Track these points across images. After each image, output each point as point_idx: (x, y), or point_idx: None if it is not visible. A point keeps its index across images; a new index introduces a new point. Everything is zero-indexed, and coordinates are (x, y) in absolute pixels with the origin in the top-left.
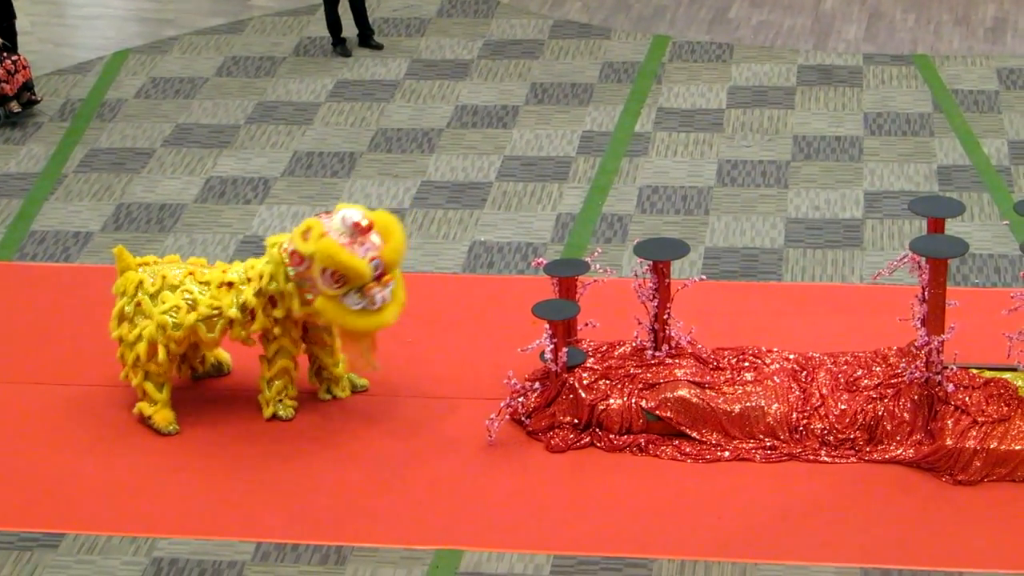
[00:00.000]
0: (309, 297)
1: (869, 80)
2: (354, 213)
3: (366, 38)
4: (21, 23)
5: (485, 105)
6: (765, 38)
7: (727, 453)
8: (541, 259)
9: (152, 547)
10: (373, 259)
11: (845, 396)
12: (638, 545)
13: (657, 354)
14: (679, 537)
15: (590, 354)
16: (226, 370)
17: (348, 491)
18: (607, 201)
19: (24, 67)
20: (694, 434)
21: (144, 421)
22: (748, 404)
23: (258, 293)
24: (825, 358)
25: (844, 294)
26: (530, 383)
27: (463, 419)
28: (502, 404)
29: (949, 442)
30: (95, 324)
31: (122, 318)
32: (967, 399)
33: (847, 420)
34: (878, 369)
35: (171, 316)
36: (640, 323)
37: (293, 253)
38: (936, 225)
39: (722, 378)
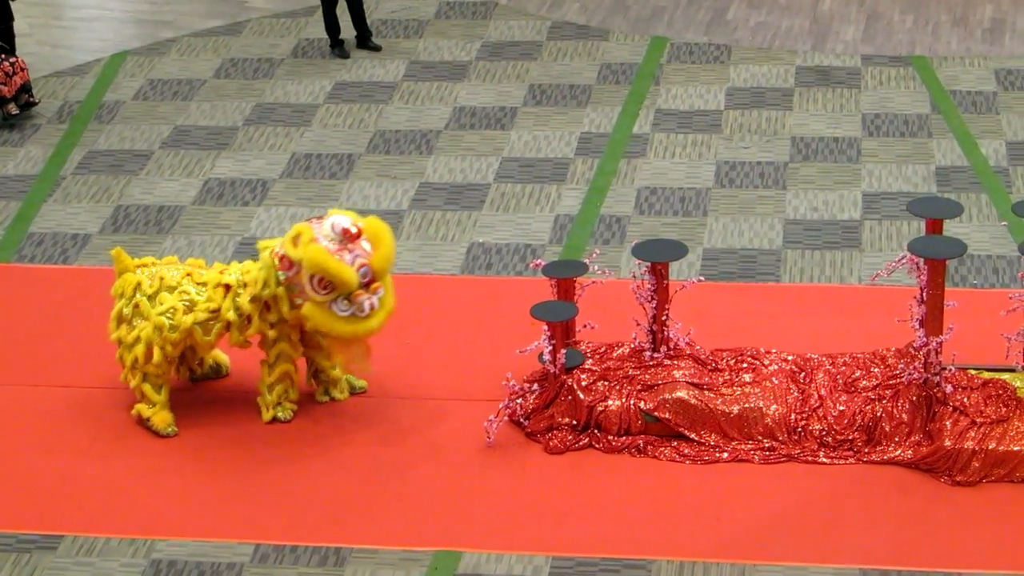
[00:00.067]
0: (299, 302)
1: (867, 81)
2: (343, 219)
3: (364, 40)
4: (19, 25)
5: (483, 106)
6: (763, 39)
7: (726, 454)
8: (539, 260)
9: (151, 549)
10: (362, 266)
11: (844, 397)
12: (637, 546)
13: (656, 355)
14: (678, 538)
15: (588, 355)
16: (224, 372)
17: (346, 492)
18: (605, 202)
19: (22, 69)
20: (693, 435)
21: (143, 423)
22: (747, 405)
23: (253, 299)
24: (824, 359)
25: (842, 295)
26: (528, 385)
27: (462, 420)
28: (501, 406)
29: (947, 443)
30: (93, 326)
31: (120, 320)
32: (965, 400)
33: (846, 421)
34: (876, 370)
35: (167, 318)
36: (638, 324)
37: (283, 258)
38: (934, 226)
39: (720, 379)
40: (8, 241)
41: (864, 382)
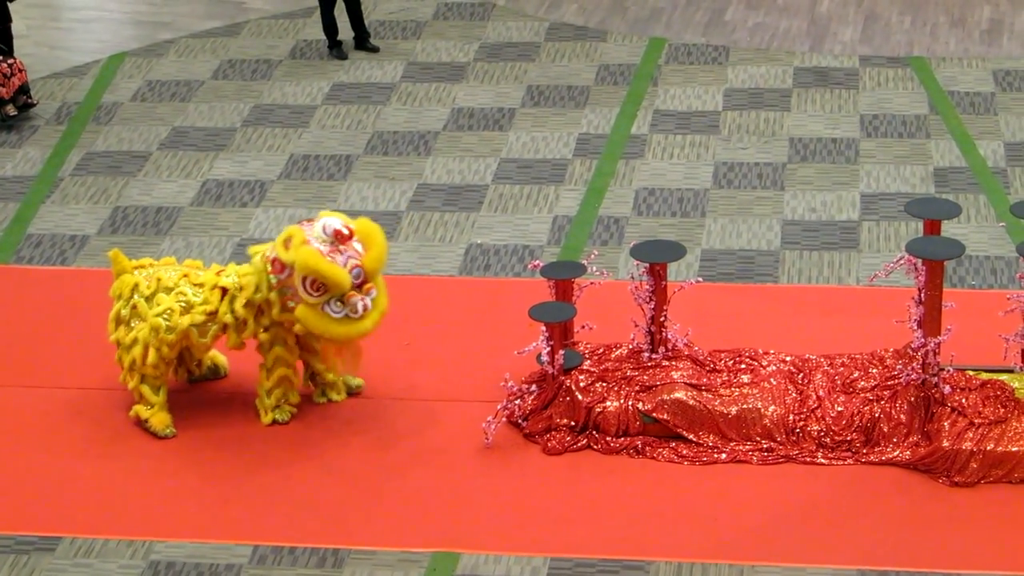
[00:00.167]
0: (292, 305)
1: (865, 82)
2: (335, 221)
3: (362, 41)
4: (17, 26)
5: (481, 107)
6: (761, 40)
7: (724, 455)
8: (537, 261)
9: (149, 550)
10: (354, 267)
11: (842, 398)
12: (635, 547)
13: (654, 356)
14: (676, 539)
15: (587, 356)
16: (223, 373)
17: (345, 494)
18: (603, 203)
19: (20, 70)
20: (691, 436)
21: (141, 424)
22: (745, 406)
23: (247, 304)
24: (822, 360)
25: (841, 296)
26: (527, 386)
27: (460, 422)
28: (499, 407)
29: (946, 444)
30: (91, 327)
31: (119, 321)
32: (964, 401)
33: (844, 422)
34: (875, 371)
35: (164, 319)
36: (637, 325)
37: (275, 261)
38: (932, 227)
39: (719, 380)
40: (6, 242)
41: (862, 383)
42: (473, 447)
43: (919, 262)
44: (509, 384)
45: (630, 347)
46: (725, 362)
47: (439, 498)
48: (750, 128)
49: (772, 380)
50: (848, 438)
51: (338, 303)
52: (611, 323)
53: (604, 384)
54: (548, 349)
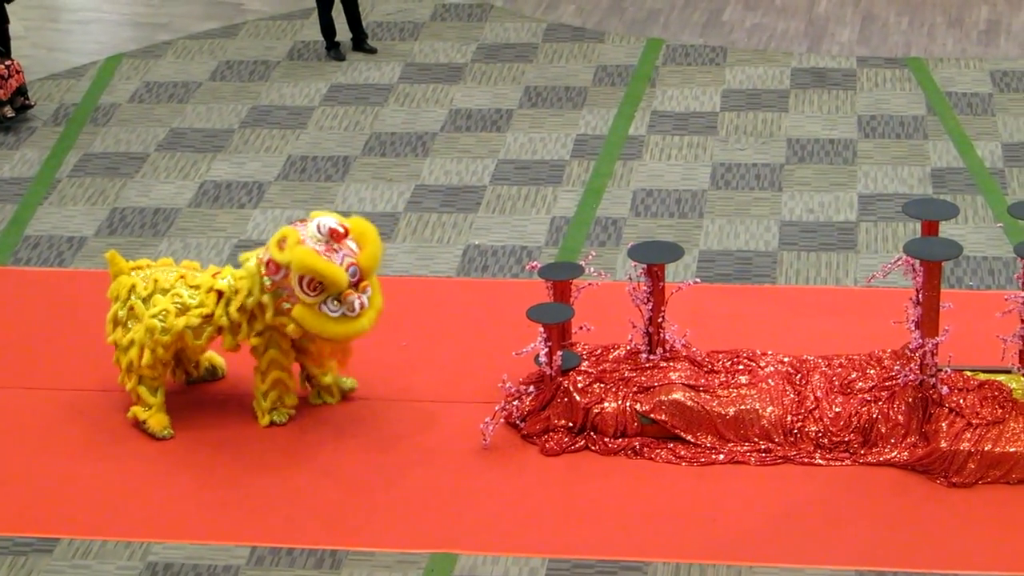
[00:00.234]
0: (287, 306)
1: (863, 83)
2: (329, 220)
3: (360, 42)
4: (15, 28)
5: (479, 109)
6: (759, 41)
7: (722, 456)
8: (535, 263)
9: (147, 552)
10: (350, 265)
11: (839, 399)
12: (633, 548)
13: (652, 357)
14: (674, 540)
15: (584, 357)
16: (220, 374)
17: (343, 495)
18: (601, 204)
19: (18, 72)
20: (689, 437)
21: (139, 425)
22: (743, 407)
23: (240, 309)
24: (819, 361)
25: (838, 297)
26: (525, 387)
27: (457, 423)
28: (497, 408)
29: (943, 445)
30: (89, 329)
31: (116, 323)
32: (961, 401)
33: (842, 423)
34: (872, 372)
35: (160, 320)
36: (634, 326)
37: (269, 262)
38: (930, 228)
39: (717, 381)
40: (4, 244)
41: (860, 384)
42: (471, 448)
43: (917, 263)
44: (507, 385)
45: (628, 348)
46: (723, 363)
47: (437, 499)
48: (748, 129)
49: (770, 381)
50: (846, 439)
51: (335, 302)
52: (609, 324)
53: (602, 385)
54: (546, 350)
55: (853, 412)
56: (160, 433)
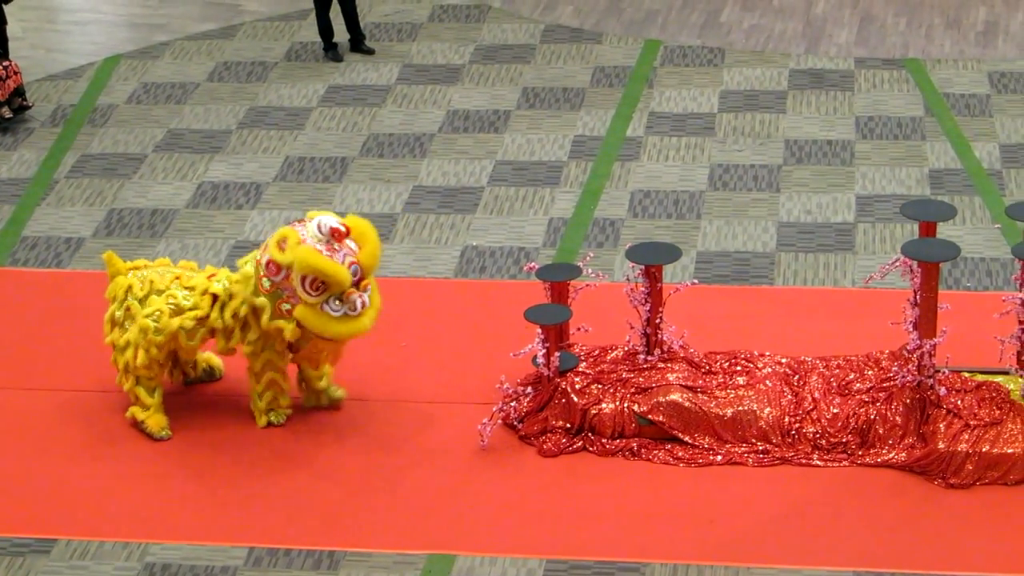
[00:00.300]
0: (287, 307)
1: (860, 84)
2: (330, 219)
3: (357, 43)
4: (13, 29)
5: (477, 110)
6: (756, 42)
7: (719, 457)
8: (533, 263)
9: (144, 552)
10: (352, 264)
11: (837, 400)
12: (631, 549)
13: (649, 358)
14: (672, 541)
15: (582, 358)
16: (218, 375)
17: (340, 496)
18: (599, 205)
19: (15, 73)
20: (686, 438)
21: (137, 426)
22: (740, 408)
23: (234, 315)
24: (817, 362)
25: (836, 298)
26: (522, 388)
27: (455, 424)
28: (494, 409)
29: (941, 446)
30: (87, 329)
31: (114, 323)
32: (959, 403)
33: (839, 424)
34: (870, 373)
35: (153, 320)
36: (632, 327)
37: (269, 263)
38: (928, 229)
39: (714, 382)
40: (2, 245)
41: (858, 385)
42: (469, 449)
43: (914, 264)
44: (505, 386)
45: (626, 349)
46: (721, 364)
47: (435, 500)
48: (745, 130)
49: (768, 382)
50: (844, 440)
51: (337, 301)
52: (607, 325)
53: (600, 386)
54: (544, 351)
55: (851, 413)
56: (158, 434)
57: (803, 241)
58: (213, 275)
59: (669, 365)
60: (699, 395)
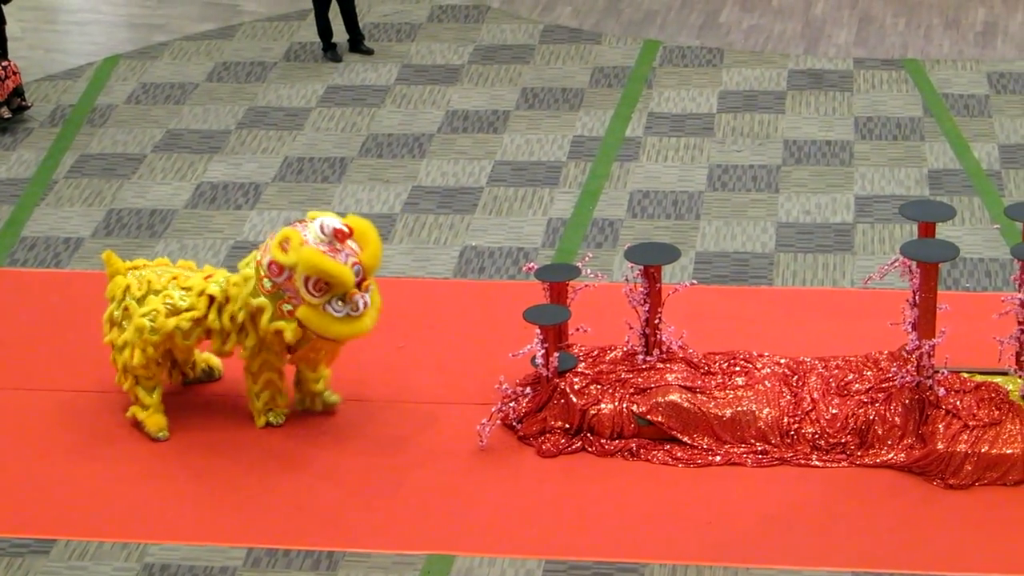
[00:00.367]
0: (288, 308)
1: (860, 84)
2: (333, 220)
3: (356, 43)
4: (12, 29)
5: (476, 110)
6: (756, 43)
7: (718, 457)
8: (532, 264)
9: (143, 553)
10: (354, 264)
11: (836, 400)
12: (630, 550)
13: (648, 359)
14: (671, 542)
15: (581, 359)
16: (217, 375)
17: (339, 496)
18: (597, 206)
19: (14, 73)
20: (685, 439)
21: (137, 425)
22: (739, 408)
23: (232, 319)
24: (816, 362)
25: (835, 298)
26: (521, 388)
27: (454, 424)
28: (493, 409)
29: (940, 446)
30: (86, 330)
31: (112, 323)
32: (958, 403)
33: (838, 424)
34: (869, 373)
35: (149, 320)
36: (631, 328)
37: (271, 264)
38: (927, 229)
39: (713, 383)
40: (0, 245)
41: (857, 385)
42: (467, 450)
43: (913, 264)
44: (504, 387)
45: (625, 349)
46: (720, 364)
47: (434, 501)
48: (744, 130)
49: (767, 383)
50: (842, 440)
51: (339, 302)
52: (606, 326)
53: (598, 387)
54: (543, 352)
55: (850, 414)
56: (156, 434)
57: (802, 241)
58: (210, 276)
59: (668, 366)
60: (698, 395)
